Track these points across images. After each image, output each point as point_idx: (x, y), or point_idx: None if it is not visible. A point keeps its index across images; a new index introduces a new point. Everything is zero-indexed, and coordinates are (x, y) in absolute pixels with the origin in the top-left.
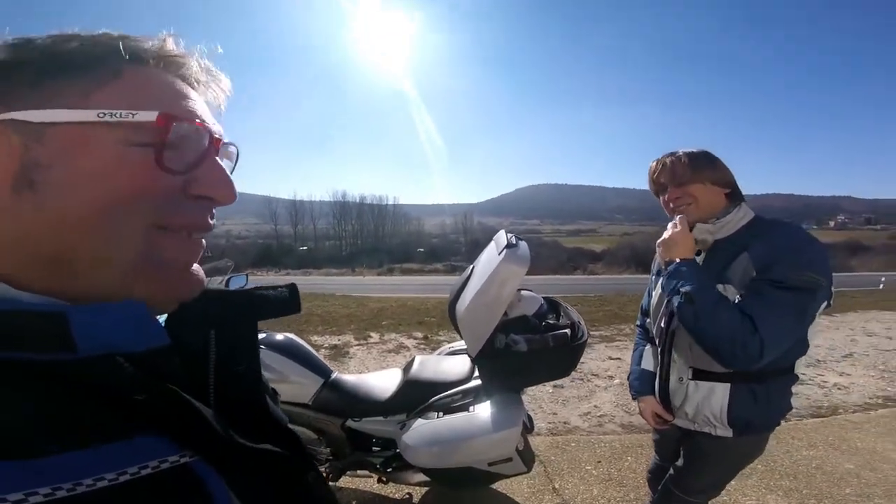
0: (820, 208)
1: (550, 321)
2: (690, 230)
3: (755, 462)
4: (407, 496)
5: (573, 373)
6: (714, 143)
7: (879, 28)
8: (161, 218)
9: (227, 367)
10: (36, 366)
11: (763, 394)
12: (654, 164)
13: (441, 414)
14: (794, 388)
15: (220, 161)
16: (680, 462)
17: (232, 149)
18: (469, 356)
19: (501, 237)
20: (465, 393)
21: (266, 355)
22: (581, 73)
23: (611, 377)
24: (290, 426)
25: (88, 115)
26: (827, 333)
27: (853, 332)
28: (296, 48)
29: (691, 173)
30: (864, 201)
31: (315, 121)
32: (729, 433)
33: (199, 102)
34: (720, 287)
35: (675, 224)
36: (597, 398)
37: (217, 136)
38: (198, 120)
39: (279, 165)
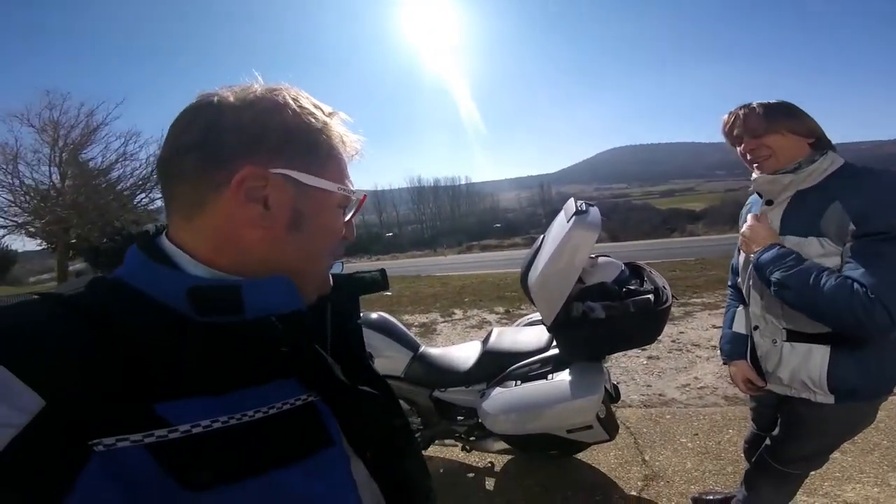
0: None
1: (632, 287)
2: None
3: (879, 438)
4: (489, 465)
5: (672, 343)
6: (819, 88)
7: None
8: (336, 252)
9: (339, 331)
10: (222, 326)
11: (870, 357)
12: (727, 116)
13: (519, 382)
14: None
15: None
16: (776, 431)
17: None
18: (545, 325)
19: (570, 205)
20: (544, 362)
21: (363, 332)
22: (658, 27)
23: (714, 347)
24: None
25: (332, 186)
26: None
27: None
28: (345, 45)
29: (766, 124)
30: None
31: (384, 113)
32: (830, 400)
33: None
34: (816, 241)
35: (749, 220)
36: (697, 370)
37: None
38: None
39: (357, 160)
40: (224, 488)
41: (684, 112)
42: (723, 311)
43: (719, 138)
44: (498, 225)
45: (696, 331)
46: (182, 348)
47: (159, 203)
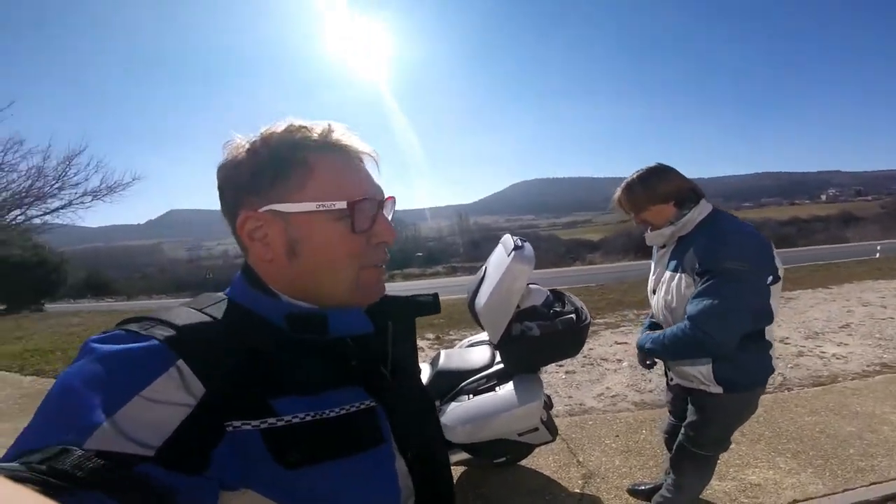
0: (809, 184)
1: (557, 309)
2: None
3: (762, 429)
4: None
5: (584, 359)
6: (700, 127)
7: (857, 8)
8: (362, 263)
9: (398, 346)
10: (310, 342)
11: (740, 359)
12: (615, 197)
13: (471, 396)
14: (796, 361)
15: (385, 214)
16: (688, 419)
17: (391, 200)
18: (491, 344)
19: (508, 240)
20: (490, 377)
21: None
22: (564, 68)
23: (619, 360)
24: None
25: (311, 206)
26: (823, 306)
27: (849, 302)
28: (271, 60)
29: (634, 208)
30: (851, 174)
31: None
32: (719, 390)
33: (365, 175)
34: (681, 276)
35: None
36: (608, 380)
37: (381, 198)
38: (368, 195)
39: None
40: (307, 469)
41: (584, 148)
42: (622, 329)
43: (613, 173)
44: (420, 254)
45: (602, 347)
46: (285, 357)
47: (38, 221)
